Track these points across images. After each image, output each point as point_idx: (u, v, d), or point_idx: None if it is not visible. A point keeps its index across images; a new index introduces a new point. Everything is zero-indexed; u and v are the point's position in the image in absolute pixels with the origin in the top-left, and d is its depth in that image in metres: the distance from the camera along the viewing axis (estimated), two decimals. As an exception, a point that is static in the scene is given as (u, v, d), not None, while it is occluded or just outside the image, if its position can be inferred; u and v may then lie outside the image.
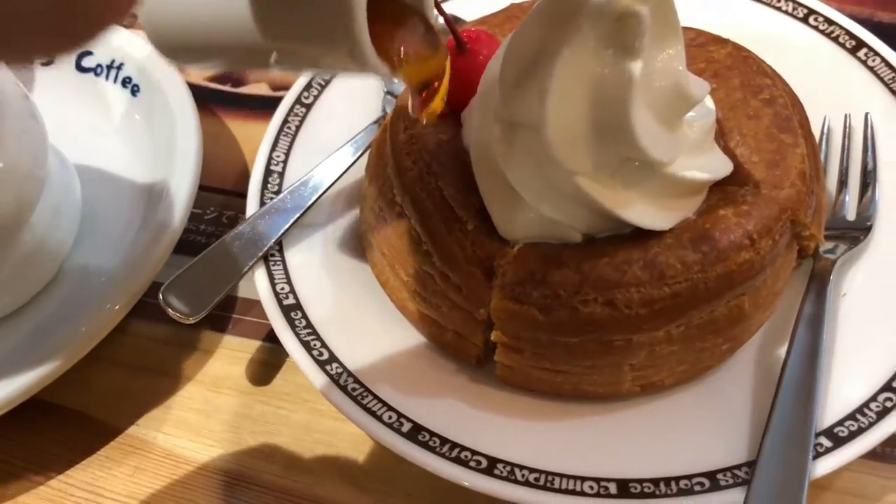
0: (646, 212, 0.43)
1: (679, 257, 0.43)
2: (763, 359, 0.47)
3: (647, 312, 0.43)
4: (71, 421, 0.52)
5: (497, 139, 0.43)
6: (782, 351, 0.46)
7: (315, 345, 0.48)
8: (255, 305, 0.55)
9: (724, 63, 0.51)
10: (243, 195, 0.59)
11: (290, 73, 0.63)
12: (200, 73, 0.71)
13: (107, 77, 0.66)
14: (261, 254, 0.51)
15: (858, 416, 0.43)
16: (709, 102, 0.46)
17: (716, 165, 0.45)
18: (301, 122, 0.59)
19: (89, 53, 0.66)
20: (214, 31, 0.32)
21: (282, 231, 0.52)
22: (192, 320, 0.48)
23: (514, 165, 0.43)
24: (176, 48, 0.34)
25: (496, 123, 0.44)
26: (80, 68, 0.67)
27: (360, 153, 0.57)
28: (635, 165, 0.41)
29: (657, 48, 0.39)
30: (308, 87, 0.61)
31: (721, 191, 0.45)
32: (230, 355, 0.54)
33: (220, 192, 0.63)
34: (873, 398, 0.43)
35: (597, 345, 0.44)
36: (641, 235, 0.43)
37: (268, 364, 0.54)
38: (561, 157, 0.41)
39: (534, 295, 0.43)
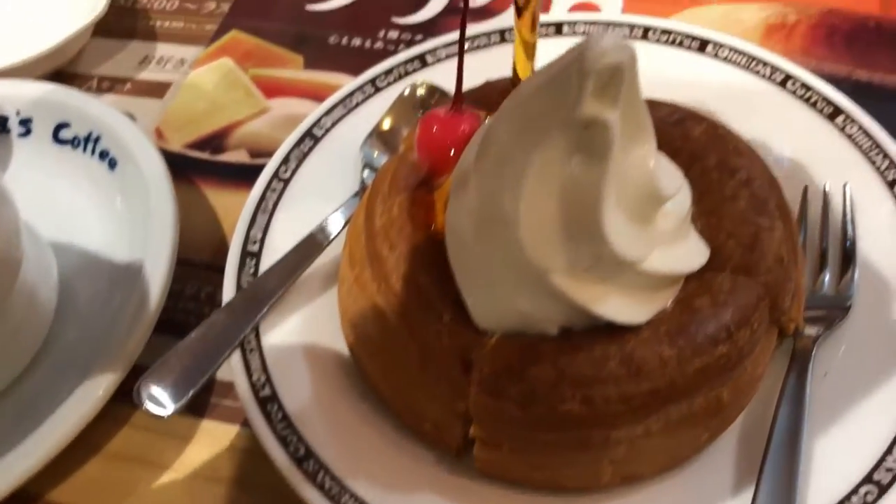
0: (621, 306, 0.42)
1: (656, 352, 0.42)
2: (744, 444, 0.47)
3: (624, 408, 0.42)
4: (48, 514, 0.52)
5: (471, 234, 0.43)
6: (763, 434, 0.46)
7: (292, 440, 0.47)
8: (233, 388, 0.54)
9: (700, 142, 0.50)
10: (221, 269, 0.59)
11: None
12: (181, 140, 0.70)
13: (84, 149, 0.65)
14: (236, 342, 0.51)
15: (840, 511, 0.43)
16: (684, 189, 0.45)
17: (691, 255, 0.44)
18: (279, 197, 0.59)
19: (66, 125, 0.66)
20: None
21: (258, 317, 0.52)
22: (167, 417, 0.47)
23: (488, 260, 0.43)
24: None
25: (469, 216, 0.43)
26: (58, 140, 0.66)
27: (338, 231, 0.56)
28: (609, 263, 0.41)
29: (627, 149, 0.39)
30: (285, 160, 0.61)
31: (698, 277, 0.45)
32: (209, 441, 0.54)
33: (199, 267, 0.62)
34: (854, 491, 0.43)
35: (575, 440, 0.43)
36: (618, 329, 0.43)
37: (246, 451, 0.53)
38: (534, 256, 0.41)
39: (511, 390, 0.43)
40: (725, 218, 0.47)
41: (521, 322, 0.44)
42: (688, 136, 0.51)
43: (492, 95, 0.54)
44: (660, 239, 0.43)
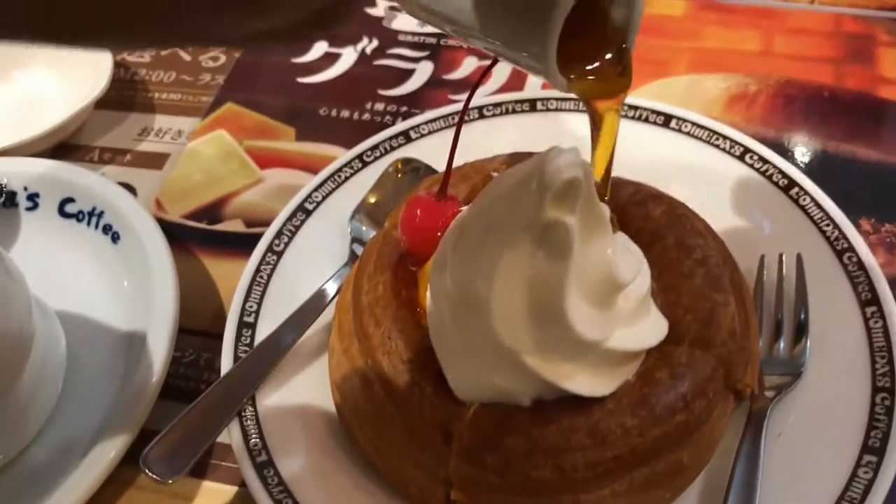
0: (587, 382, 0.46)
1: (619, 422, 0.46)
2: (704, 500, 0.51)
3: (591, 475, 0.46)
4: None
5: (449, 316, 0.47)
6: (722, 490, 0.50)
7: (287, 502, 0.51)
8: (232, 451, 0.58)
9: (660, 221, 0.55)
10: (219, 336, 0.62)
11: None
12: (179, 211, 0.74)
13: (88, 223, 0.69)
14: (234, 412, 0.54)
15: (791, 566, 0.46)
16: (644, 270, 0.50)
17: (651, 331, 0.48)
18: (272, 269, 0.63)
19: (71, 200, 0.70)
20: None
21: (254, 387, 0.55)
22: (171, 483, 0.51)
23: (465, 340, 0.47)
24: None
25: (447, 300, 0.47)
26: (63, 214, 0.70)
27: (329, 300, 0.60)
28: (574, 343, 0.45)
29: (587, 244, 0.43)
30: (279, 234, 0.65)
31: (658, 350, 0.49)
32: (210, 501, 0.57)
33: (198, 334, 0.66)
34: (805, 547, 0.47)
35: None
36: (585, 400, 0.47)
37: (246, 511, 0.57)
38: (505, 338, 0.45)
39: (488, 459, 0.47)
40: (683, 294, 0.51)
41: (497, 395, 0.48)
42: (649, 216, 0.55)
43: (470, 175, 0.59)
44: (621, 319, 0.47)
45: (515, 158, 0.59)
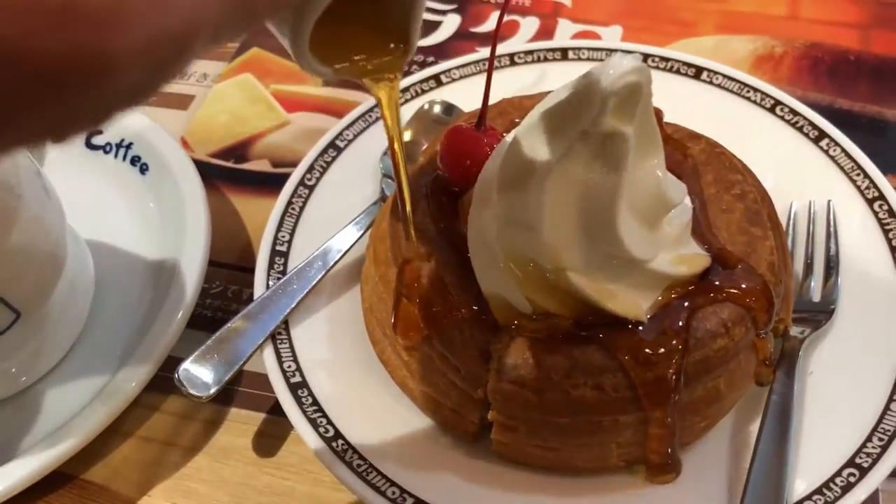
0: (630, 303, 0.47)
1: (661, 344, 0.46)
2: (737, 435, 0.51)
3: (632, 395, 0.46)
4: (89, 493, 0.55)
5: (494, 235, 0.47)
6: (754, 427, 0.50)
7: (321, 422, 0.51)
8: (259, 378, 0.58)
9: (699, 159, 0.55)
10: (247, 269, 0.63)
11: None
12: (204, 150, 0.74)
13: (115, 155, 0.69)
14: (268, 333, 0.54)
15: (825, 491, 0.47)
16: (686, 200, 0.50)
17: (693, 259, 0.49)
18: (304, 203, 0.63)
19: (99, 132, 0.70)
20: None
21: (287, 311, 0.55)
22: (205, 399, 0.51)
23: (510, 260, 0.47)
24: None
25: (493, 220, 0.48)
26: (91, 146, 0.70)
27: (361, 233, 0.60)
28: (621, 262, 0.45)
29: (640, 159, 0.43)
30: (310, 168, 0.65)
31: (699, 279, 0.49)
32: (237, 427, 0.57)
33: (225, 267, 0.66)
34: (838, 473, 0.47)
35: (586, 424, 0.47)
36: (627, 323, 0.47)
37: (273, 436, 0.57)
38: (554, 256, 0.45)
39: (527, 378, 0.47)
40: (723, 228, 0.52)
41: (538, 315, 0.48)
42: (689, 152, 0.55)
43: (509, 111, 0.59)
44: (665, 242, 0.47)
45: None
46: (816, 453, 0.49)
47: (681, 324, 0.47)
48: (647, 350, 0.46)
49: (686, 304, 0.48)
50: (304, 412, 0.51)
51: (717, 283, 0.49)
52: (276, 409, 0.57)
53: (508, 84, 0.68)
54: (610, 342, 0.47)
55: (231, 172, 0.72)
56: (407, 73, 0.74)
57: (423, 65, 0.79)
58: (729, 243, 0.51)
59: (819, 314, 0.55)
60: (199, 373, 0.51)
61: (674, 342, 0.47)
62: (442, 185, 0.55)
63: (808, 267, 0.57)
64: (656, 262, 0.46)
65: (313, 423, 0.51)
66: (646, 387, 0.46)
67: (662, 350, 0.46)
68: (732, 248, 0.51)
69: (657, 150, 0.44)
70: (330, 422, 0.51)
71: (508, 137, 0.48)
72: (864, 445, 0.48)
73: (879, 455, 0.48)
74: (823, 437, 0.49)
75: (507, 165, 0.46)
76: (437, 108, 0.67)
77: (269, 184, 0.70)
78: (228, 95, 0.78)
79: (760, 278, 0.49)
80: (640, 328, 0.47)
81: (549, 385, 0.47)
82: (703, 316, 0.47)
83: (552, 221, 0.44)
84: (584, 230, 0.44)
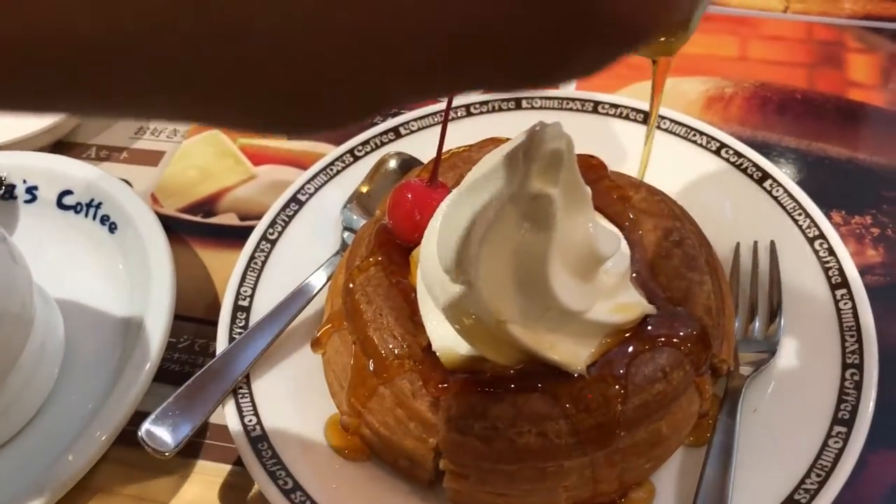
0: (570, 352, 0.49)
1: (601, 391, 0.48)
2: (683, 472, 0.53)
3: (574, 441, 0.48)
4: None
5: (438, 290, 0.49)
6: (699, 462, 0.52)
7: (280, 474, 0.53)
8: (225, 431, 0.59)
9: (640, 206, 0.57)
10: (214, 323, 0.64)
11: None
12: (174, 205, 0.76)
13: (86, 215, 0.71)
14: (229, 388, 0.56)
15: (764, 529, 0.48)
16: (624, 248, 0.52)
17: (631, 306, 0.51)
18: (266, 257, 0.65)
19: (70, 193, 0.72)
20: None
21: (248, 365, 0.57)
22: (168, 456, 0.53)
23: (454, 312, 0.49)
24: None
25: (436, 276, 0.50)
26: (62, 206, 0.72)
27: (320, 287, 0.62)
28: (558, 313, 0.47)
29: (569, 216, 0.46)
30: (273, 223, 0.67)
31: (637, 326, 0.51)
32: (204, 480, 0.59)
33: (193, 321, 0.68)
34: (777, 512, 0.49)
35: (533, 471, 0.49)
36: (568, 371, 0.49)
37: (239, 488, 0.58)
38: (492, 309, 0.47)
39: (475, 427, 0.49)
40: (662, 274, 0.54)
41: (483, 363, 0.50)
42: (629, 201, 0.58)
43: (458, 164, 0.61)
44: (602, 292, 0.49)
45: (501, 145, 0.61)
46: (757, 490, 0.50)
47: (620, 371, 0.49)
48: (587, 397, 0.48)
49: (624, 350, 0.50)
50: (264, 465, 0.53)
51: (654, 329, 0.51)
52: (241, 461, 0.58)
53: (465, 134, 0.70)
54: (552, 390, 0.48)
55: (199, 227, 0.74)
56: (371, 124, 0.77)
57: (385, 115, 0.81)
58: (667, 289, 0.53)
59: (762, 353, 0.57)
60: (162, 430, 0.53)
61: (613, 388, 0.48)
62: (393, 240, 0.57)
63: (753, 307, 0.59)
64: (593, 312, 0.48)
65: (273, 476, 0.52)
66: (588, 433, 0.48)
67: (602, 396, 0.48)
68: (671, 293, 0.53)
69: (585, 206, 0.46)
70: (289, 474, 0.53)
71: (445, 201, 0.50)
72: (802, 482, 0.50)
73: (817, 491, 0.49)
74: (765, 473, 0.51)
75: (444, 226, 0.48)
76: (393, 163, 0.69)
77: (236, 237, 0.72)
78: (197, 151, 0.81)
79: (697, 322, 0.52)
80: (581, 376, 0.49)
81: (496, 433, 0.49)
82: (641, 362, 0.49)
83: (489, 278, 0.46)
84: (519, 285, 0.46)
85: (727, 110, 0.78)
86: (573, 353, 0.49)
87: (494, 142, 0.62)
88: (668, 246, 0.55)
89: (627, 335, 0.51)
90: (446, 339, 0.51)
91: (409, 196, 0.56)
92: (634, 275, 0.53)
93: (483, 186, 0.45)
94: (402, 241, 0.57)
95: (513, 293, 0.46)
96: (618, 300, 0.50)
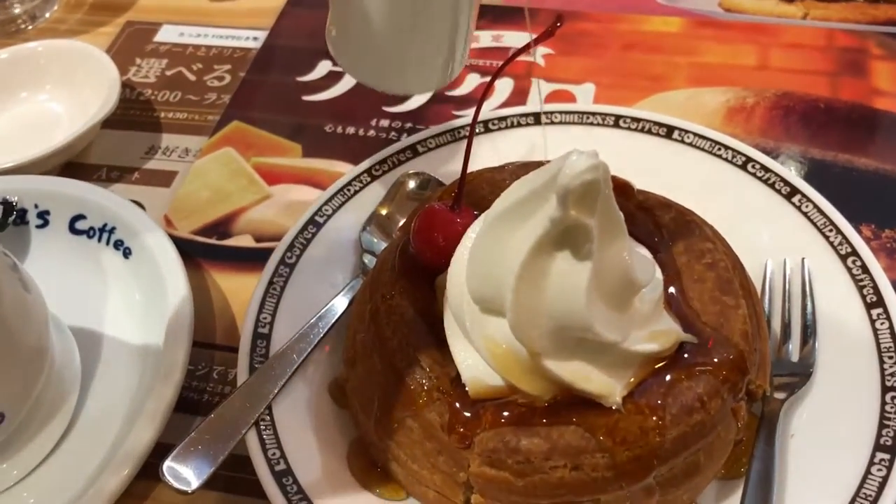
0: (605, 383, 0.47)
1: (638, 423, 0.47)
2: (720, 501, 0.52)
3: (611, 475, 0.47)
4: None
5: (468, 321, 0.48)
6: (737, 492, 0.50)
7: (307, 510, 0.51)
8: (247, 462, 0.58)
9: (670, 228, 0.56)
10: (232, 349, 0.63)
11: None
12: (188, 227, 0.75)
13: (99, 240, 0.70)
14: (252, 421, 0.55)
15: (809, 563, 0.47)
16: (657, 274, 0.51)
17: (666, 334, 0.49)
18: (285, 282, 0.64)
19: (83, 217, 0.70)
20: None
21: (271, 397, 0.56)
22: (190, 493, 0.51)
23: (484, 343, 0.48)
24: None
25: (468, 304, 0.48)
26: (74, 230, 0.71)
27: (343, 310, 0.61)
28: (593, 344, 0.46)
29: (605, 245, 0.44)
30: (291, 246, 0.65)
31: (673, 354, 0.50)
32: (227, 514, 0.58)
33: (210, 347, 0.66)
34: (821, 544, 0.48)
35: (568, 505, 0.48)
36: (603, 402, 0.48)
37: (263, 522, 0.57)
38: (525, 340, 0.45)
39: (508, 462, 0.47)
40: (695, 298, 0.52)
41: (514, 396, 0.49)
42: (659, 222, 0.56)
43: (481, 186, 0.60)
44: (637, 321, 0.48)
45: (525, 168, 0.60)
46: (799, 522, 0.49)
47: (657, 401, 0.47)
48: (624, 429, 0.47)
49: (660, 380, 0.48)
50: (289, 500, 0.52)
51: (690, 356, 0.49)
52: (263, 493, 0.57)
53: (485, 152, 0.69)
54: (587, 422, 0.47)
55: (214, 249, 0.73)
56: (386, 143, 0.75)
57: (400, 131, 0.80)
58: (702, 314, 0.52)
59: (798, 376, 0.55)
60: (184, 467, 0.52)
61: (651, 420, 0.47)
62: (417, 266, 0.56)
63: (786, 328, 0.58)
64: (629, 342, 0.47)
65: (299, 512, 0.51)
66: (625, 466, 0.47)
67: (639, 429, 0.47)
68: (706, 318, 0.51)
69: (621, 234, 0.45)
70: (315, 509, 0.51)
71: (474, 228, 0.48)
72: (846, 512, 0.49)
73: (862, 521, 0.48)
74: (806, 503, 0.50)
75: (475, 256, 0.47)
76: (412, 183, 0.67)
77: (253, 259, 0.71)
78: (210, 171, 0.79)
79: (735, 348, 0.50)
80: (616, 407, 0.47)
81: (529, 468, 0.47)
82: (678, 391, 0.48)
83: (522, 310, 0.44)
84: (555, 317, 0.45)
85: (749, 122, 0.77)
86: (608, 385, 0.47)
87: (523, 167, 0.60)
88: (700, 269, 0.53)
89: (662, 363, 0.49)
90: (475, 370, 0.49)
91: (434, 222, 0.55)
92: (669, 300, 0.51)
93: (515, 216, 0.44)
94: (427, 267, 0.55)
95: (548, 324, 0.45)
96: (653, 328, 0.49)
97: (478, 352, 0.48)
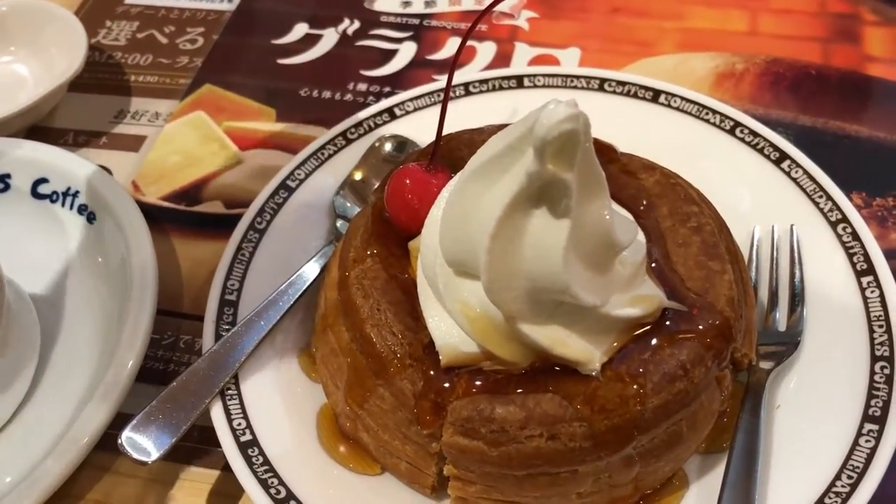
0: (583, 349, 0.45)
1: (617, 391, 0.45)
2: (702, 473, 0.50)
3: (590, 445, 0.45)
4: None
5: (442, 285, 0.46)
6: (721, 465, 0.49)
7: (272, 482, 0.49)
8: (213, 433, 0.56)
9: (654, 191, 0.54)
10: (199, 318, 0.60)
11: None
12: (156, 193, 0.72)
13: (62, 204, 0.67)
14: (217, 390, 0.52)
15: (794, 537, 0.45)
16: (639, 237, 0.48)
17: (649, 299, 0.47)
18: (255, 248, 0.61)
19: (45, 181, 0.68)
20: None
21: (237, 365, 0.53)
22: (149, 464, 0.49)
23: (458, 307, 0.45)
24: None
25: (441, 266, 0.46)
26: (36, 195, 0.68)
27: (312, 279, 0.58)
28: (571, 307, 0.44)
29: (585, 203, 0.42)
30: (261, 211, 0.63)
31: (655, 320, 0.48)
32: (191, 487, 0.55)
33: (177, 316, 0.64)
34: (807, 517, 0.46)
35: (544, 476, 0.46)
36: (581, 369, 0.46)
37: (228, 495, 0.54)
38: (500, 303, 0.43)
39: (482, 431, 0.45)
40: (679, 263, 0.50)
41: (489, 363, 0.46)
42: (642, 185, 0.54)
43: (458, 148, 0.57)
44: (618, 284, 0.45)
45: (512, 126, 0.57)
46: (784, 493, 0.47)
47: (638, 368, 0.45)
48: (603, 397, 0.45)
49: (642, 346, 0.46)
50: (255, 472, 0.49)
51: (673, 323, 0.47)
52: (230, 466, 0.55)
53: (464, 115, 0.66)
54: (564, 390, 0.45)
55: (183, 215, 0.70)
56: (363, 107, 0.73)
57: (378, 95, 0.77)
58: (686, 279, 0.50)
59: (785, 346, 0.53)
60: (143, 437, 0.49)
61: (631, 388, 0.45)
62: (391, 229, 0.53)
63: (773, 296, 0.56)
64: (609, 306, 0.45)
65: (264, 485, 0.49)
66: (604, 435, 0.45)
67: (619, 397, 0.45)
68: (690, 283, 0.49)
69: (602, 191, 0.43)
70: (282, 482, 0.49)
71: (448, 187, 0.46)
72: (832, 484, 0.47)
73: (849, 494, 0.46)
74: (791, 476, 0.48)
75: (448, 216, 0.44)
76: (388, 146, 0.65)
77: (222, 226, 0.68)
78: (180, 135, 0.76)
79: (720, 315, 0.48)
80: (595, 374, 0.45)
81: (504, 437, 0.45)
82: (660, 358, 0.46)
83: (497, 271, 0.42)
84: (531, 278, 0.42)
85: (738, 87, 0.75)
86: (587, 351, 0.45)
87: (501, 128, 0.57)
88: (685, 233, 0.51)
89: (643, 330, 0.47)
90: (449, 336, 0.47)
91: (408, 182, 0.52)
92: (652, 265, 0.49)
93: (490, 171, 0.41)
94: (401, 230, 0.53)
95: (523, 285, 0.43)
96: (635, 292, 0.46)
97: (451, 317, 0.46)
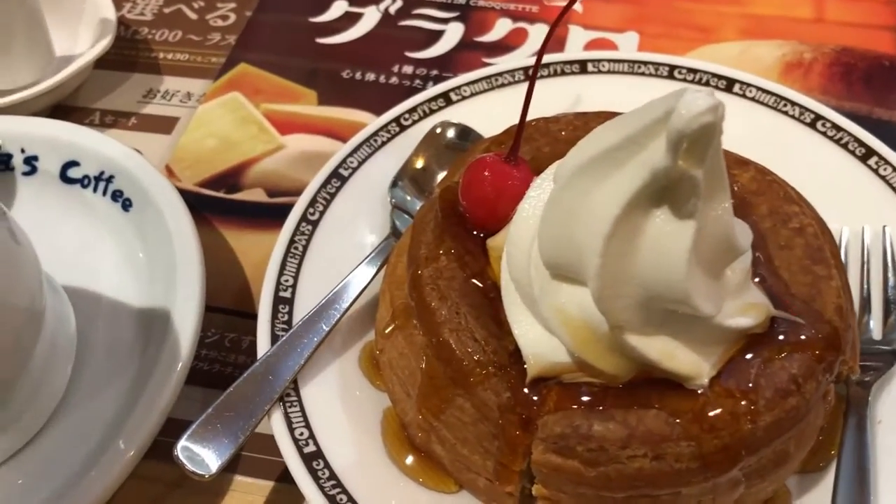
0: (691, 362, 0.41)
1: (728, 407, 0.41)
2: (801, 493, 0.46)
3: (697, 466, 0.41)
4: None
5: (536, 289, 0.42)
6: (819, 483, 0.45)
7: (341, 499, 0.45)
8: (266, 441, 0.52)
9: (750, 188, 0.50)
10: (246, 314, 0.57)
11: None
12: (192, 179, 0.68)
13: (94, 189, 0.62)
14: (276, 397, 0.48)
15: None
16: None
17: (757, 308, 0.43)
18: (308, 240, 0.57)
19: (76, 164, 0.63)
20: None
21: (296, 369, 0.49)
22: (208, 478, 0.45)
23: (555, 317, 0.42)
24: None
25: (536, 269, 0.42)
26: (66, 179, 0.63)
27: (373, 274, 0.54)
28: (683, 317, 0.40)
29: (709, 204, 0.38)
30: (313, 201, 0.59)
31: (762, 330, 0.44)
32: (242, 499, 0.51)
33: (221, 311, 0.60)
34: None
35: (644, 499, 0.42)
36: (686, 383, 0.42)
37: (284, 507, 0.51)
38: (609, 312, 0.39)
39: (578, 449, 0.42)
40: (782, 267, 0.46)
41: (584, 375, 0.43)
42: (737, 181, 0.50)
43: (535, 137, 0.53)
44: (729, 292, 0.42)
45: (582, 118, 0.54)
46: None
47: (748, 383, 0.42)
48: (713, 415, 0.41)
49: (750, 359, 0.43)
50: (321, 487, 0.46)
51: (782, 333, 0.44)
52: (286, 477, 0.51)
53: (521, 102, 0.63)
54: (670, 407, 0.41)
55: (222, 203, 0.66)
56: (410, 91, 0.69)
57: (426, 79, 0.73)
58: (791, 285, 0.46)
59: (881, 355, 0.50)
60: (201, 448, 0.45)
61: (741, 404, 0.41)
62: (466, 225, 0.49)
63: (865, 302, 0.52)
64: (721, 315, 0.41)
65: (332, 500, 0.45)
66: (713, 456, 0.41)
67: (729, 414, 0.41)
68: (796, 290, 0.46)
69: (724, 191, 0.39)
70: (351, 498, 0.45)
71: (539, 183, 0.42)
72: (951, 509, 0.43)
73: (967, 520, 0.43)
74: (903, 498, 0.45)
75: (549, 216, 0.40)
76: (450, 132, 0.61)
77: (266, 215, 0.64)
78: (216, 117, 0.72)
79: (829, 325, 0.44)
80: (703, 389, 0.41)
81: (603, 456, 0.41)
82: (771, 372, 0.42)
83: (610, 276, 0.38)
84: (646, 286, 0.38)
85: (807, 78, 0.71)
86: (696, 364, 0.41)
87: (580, 117, 0.54)
88: (787, 234, 0.48)
89: (751, 341, 0.43)
90: (538, 345, 0.43)
91: (487, 175, 0.48)
92: (757, 279, 0.45)
93: (604, 166, 0.37)
94: (475, 226, 0.49)
95: (637, 294, 0.39)
96: (744, 300, 0.43)
97: (545, 324, 0.42)
